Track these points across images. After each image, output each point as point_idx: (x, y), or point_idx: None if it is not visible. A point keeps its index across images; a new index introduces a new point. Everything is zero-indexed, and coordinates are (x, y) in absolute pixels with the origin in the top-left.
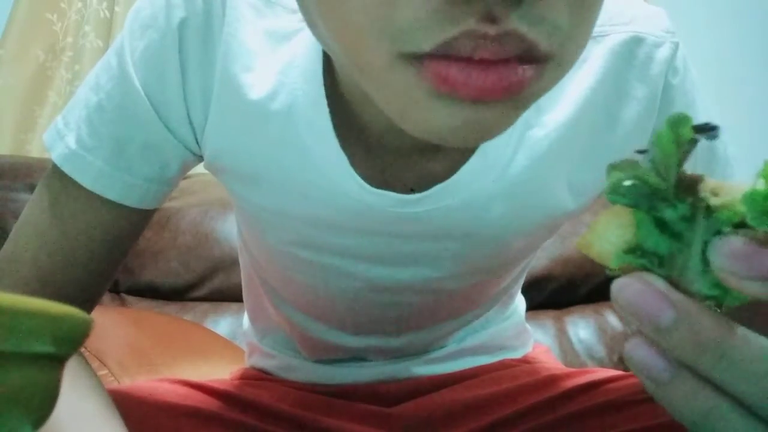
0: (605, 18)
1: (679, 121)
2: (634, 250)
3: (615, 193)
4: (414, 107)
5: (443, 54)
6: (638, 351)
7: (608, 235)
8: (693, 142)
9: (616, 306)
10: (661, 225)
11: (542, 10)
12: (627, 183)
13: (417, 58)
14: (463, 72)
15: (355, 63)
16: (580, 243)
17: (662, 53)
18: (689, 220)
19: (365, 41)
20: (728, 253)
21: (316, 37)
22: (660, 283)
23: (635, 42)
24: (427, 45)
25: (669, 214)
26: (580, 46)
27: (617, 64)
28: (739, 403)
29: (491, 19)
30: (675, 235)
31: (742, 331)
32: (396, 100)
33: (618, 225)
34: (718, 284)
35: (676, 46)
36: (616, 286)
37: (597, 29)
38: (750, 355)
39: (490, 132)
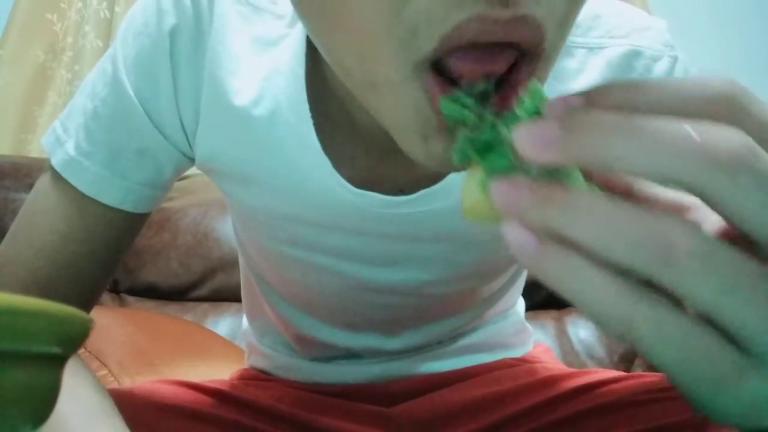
0: (603, 30)
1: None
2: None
3: (459, 153)
4: (420, 135)
5: (449, 50)
6: (511, 232)
7: (471, 189)
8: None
9: (494, 204)
10: (492, 146)
11: None
12: (462, 140)
13: (431, 74)
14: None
15: (370, 79)
16: (465, 214)
17: (660, 67)
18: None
19: (380, 50)
20: (520, 138)
21: (320, 49)
22: (523, 179)
23: (633, 55)
24: (435, 35)
25: (488, 134)
26: (566, 36)
27: (614, 77)
28: (594, 257)
29: (502, 3)
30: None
31: (592, 188)
32: (401, 120)
33: (470, 175)
34: (549, 171)
35: (675, 59)
36: (492, 189)
37: (595, 41)
38: (588, 204)
39: None
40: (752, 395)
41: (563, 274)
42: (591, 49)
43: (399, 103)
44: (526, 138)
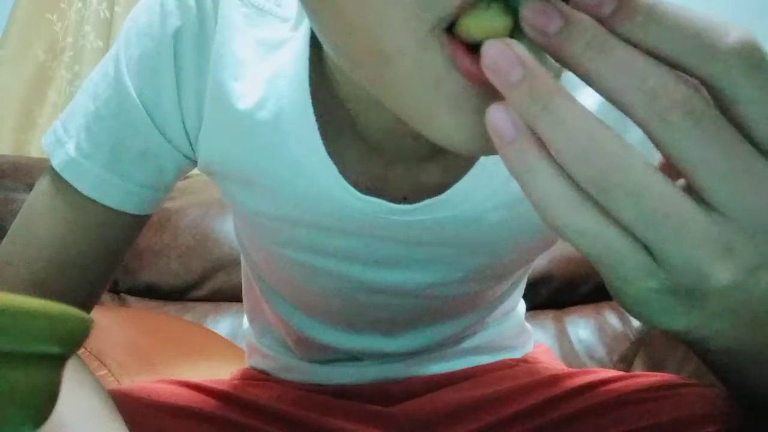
0: None
1: None
2: None
3: None
4: (439, 106)
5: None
6: (495, 113)
7: None
8: None
9: (483, 65)
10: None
11: None
12: None
13: (447, 37)
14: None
15: (381, 50)
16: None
17: None
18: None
19: (391, 14)
20: (527, 14)
21: (323, 36)
22: (519, 48)
23: None
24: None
25: None
26: None
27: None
28: (556, 163)
29: None
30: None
31: (573, 98)
32: (422, 95)
33: None
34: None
35: None
36: (485, 47)
37: None
38: (572, 113)
39: None
40: (645, 293)
41: (524, 169)
42: None
43: (418, 75)
44: (532, 17)
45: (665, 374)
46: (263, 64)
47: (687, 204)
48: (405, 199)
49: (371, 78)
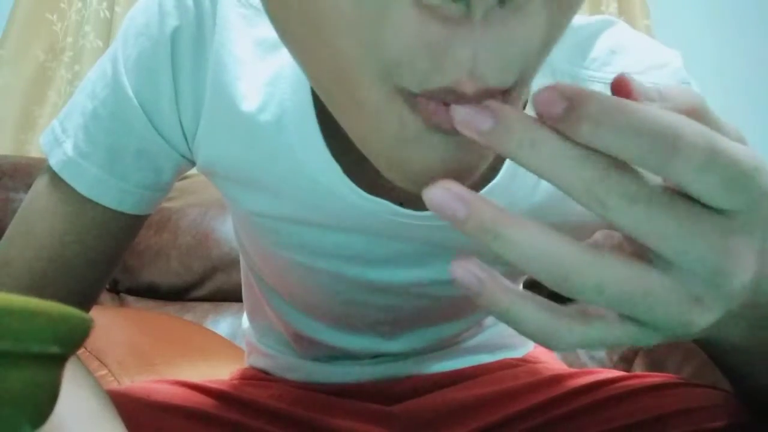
0: (620, 66)
1: None
2: None
3: None
4: (404, 146)
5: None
6: (457, 268)
7: None
8: None
9: (429, 207)
10: None
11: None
12: None
13: (410, 96)
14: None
15: (352, 97)
16: None
17: None
18: None
19: (358, 76)
20: (458, 116)
21: (298, 62)
22: (456, 187)
23: None
24: (416, 88)
25: None
26: (542, 61)
27: None
28: (525, 297)
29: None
30: None
31: (519, 218)
32: (387, 140)
33: None
34: None
35: None
36: (426, 194)
37: (611, 77)
38: (521, 235)
39: (471, 168)
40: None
41: (501, 312)
42: (608, 84)
43: (382, 122)
44: (462, 118)
45: (666, 374)
46: (263, 65)
47: (647, 276)
48: (402, 204)
49: (342, 114)
